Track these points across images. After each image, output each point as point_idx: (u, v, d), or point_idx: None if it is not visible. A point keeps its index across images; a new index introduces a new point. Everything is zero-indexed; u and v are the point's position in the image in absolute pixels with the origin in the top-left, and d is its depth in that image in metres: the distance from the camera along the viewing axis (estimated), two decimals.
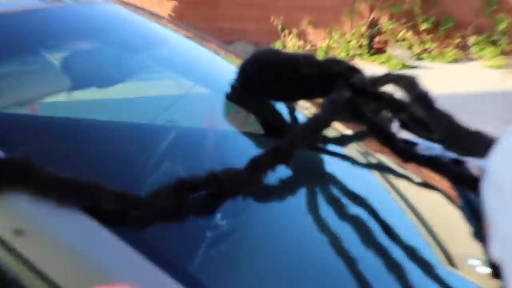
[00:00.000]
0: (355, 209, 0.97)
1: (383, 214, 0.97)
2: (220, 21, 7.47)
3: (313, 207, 0.96)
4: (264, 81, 1.13)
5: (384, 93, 1.08)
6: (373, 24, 7.32)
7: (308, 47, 7.41)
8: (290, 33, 7.51)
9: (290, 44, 7.43)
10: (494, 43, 6.85)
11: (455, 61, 7.02)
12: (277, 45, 7.25)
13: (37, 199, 0.63)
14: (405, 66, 6.71)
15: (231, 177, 0.78)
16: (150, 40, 1.37)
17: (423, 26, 7.08)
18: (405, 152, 1.01)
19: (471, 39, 6.93)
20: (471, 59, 6.96)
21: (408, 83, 1.02)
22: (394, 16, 7.19)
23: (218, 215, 0.82)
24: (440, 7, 6.95)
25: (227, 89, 1.20)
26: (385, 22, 7.27)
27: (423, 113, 1.00)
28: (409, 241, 0.93)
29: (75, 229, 0.64)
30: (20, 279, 0.60)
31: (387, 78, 1.05)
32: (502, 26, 6.75)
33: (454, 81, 5.91)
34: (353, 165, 1.22)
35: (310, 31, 7.59)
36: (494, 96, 5.16)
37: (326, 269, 0.83)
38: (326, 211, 0.94)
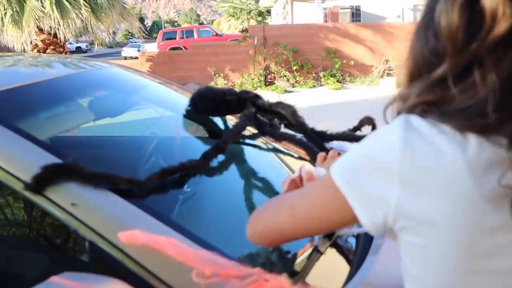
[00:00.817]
0: (259, 171, 1.60)
1: (273, 173, 1.64)
2: (178, 72, 12.24)
3: (236, 175, 1.53)
4: (206, 105, 1.64)
5: (276, 110, 1.65)
6: (266, 68, 12.05)
7: (230, 83, 12.16)
8: (219, 76, 12.25)
9: (219, 83, 11.99)
10: (333, 75, 12.07)
11: (313, 87, 11.84)
12: (212, 83, 11.50)
13: (83, 185, 1.02)
14: (286, 91, 11.16)
15: (192, 165, 1.21)
16: (140, 86, 1.99)
17: (295, 68, 12.00)
18: (284, 137, 1.61)
19: (321, 74, 12.07)
20: (322, 85, 11.96)
21: (289, 108, 1.60)
22: (278, 63, 12.05)
23: (186, 185, 1.28)
24: (303, 56, 12.13)
25: (185, 111, 1.74)
26: (273, 66, 12.06)
27: (295, 122, 1.59)
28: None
29: (106, 201, 1.03)
30: (77, 230, 0.98)
31: (278, 104, 1.63)
32: (337, 65, 12.11)
33: (314, 98, 10.22)
34: (259, 150, 1.81)
35: (231, 74, 12.44)
36: (335, 105, 9.41)
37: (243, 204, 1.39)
38: (244, 174, 1.54)
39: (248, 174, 1.56)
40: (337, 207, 0.68)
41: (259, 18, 27.72)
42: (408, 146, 0.60)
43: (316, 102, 9.72)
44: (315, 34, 12.37)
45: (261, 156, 1.76)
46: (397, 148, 0.61)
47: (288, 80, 11.91)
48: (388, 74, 12.21)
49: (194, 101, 1.68)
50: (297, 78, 12.02)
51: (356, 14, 16.36)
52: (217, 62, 12.31)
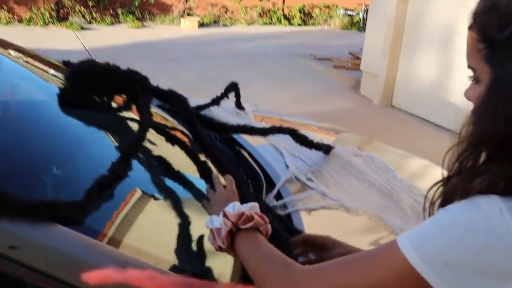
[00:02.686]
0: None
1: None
2: None
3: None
4: (89, 83, 1.44)
5: (165, 91, 1.50)
6: (58, 2, 10.98)
7: (16, 17, 10.84)
8: (2, 9, 10.55)
9: (3, 17, 10.54)
10: (132, 13, 11.60)
11: (112, 24, 11.31)
12: None
13: (18, 221, 0.82)
14: (82, 28, 10.55)
15: (122, 170, 1.07)
16: None
17: (91, 3, 11.15)
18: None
19: (119, 11, 11.50)
20: (120, 23, 11.46)
21: (177, 97, 1.46)
22: None
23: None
24: None
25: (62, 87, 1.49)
26: (66, 1, 11.01)
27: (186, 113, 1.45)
28: None
29: (54, 236, 0.85)
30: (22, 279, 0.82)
31: (171, 92, 1.49)
32: (136, 3, 11.61)
33: (114, 37, 9.82)
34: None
35: (16, 7, 10.82)
36: (138, 44, 9.19)
37: None
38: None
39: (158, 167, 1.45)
40: None
41: None
42: None
43: (117, 41, 9.32)
44: None
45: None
46: None
47: (83, 16, 11.05)
48: (188, 14, 12.22)
49: (74, 77, 1.46)
50: (94, 15, 11.20)
51: None
52: None
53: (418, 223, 1.49)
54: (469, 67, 0.69)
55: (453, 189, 0.66)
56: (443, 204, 0.68)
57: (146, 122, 1.29)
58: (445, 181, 0.69)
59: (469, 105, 0.69)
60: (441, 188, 0.70)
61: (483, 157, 0.66)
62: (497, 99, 0.62)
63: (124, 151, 1.12)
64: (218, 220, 0.90)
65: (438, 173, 0.72)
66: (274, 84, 6.91)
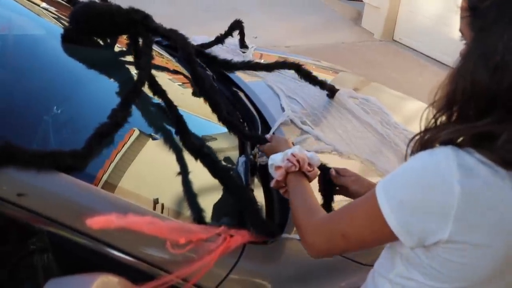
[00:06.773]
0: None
1: None
2: None
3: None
4: (91, 26, 1.43)
5: (166, 30, 1.47)
6: None
7: None
8: None
9: None
10: None
11: None
12: None
13: (25, 170, 0.87)
14: None
15: (122, 117, 1.09)
16: None
17: None
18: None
19: None
20: None
21: (179, 37, 1.44)
22: None
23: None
24: None
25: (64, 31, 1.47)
26: None
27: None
28: None
29: (58, 184, 0.90)
30: (30, 224, 0.86)
31: (170, 32, 1.46)
32: None
33: None
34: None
35: None
36: None
37: None
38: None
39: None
40: (386, 233, 0.73)
41: None
42: (467, 189, 0.66)
43: None
44: None
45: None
46: (457, 192, 0.66)
47: None
48: None
49: (76, 19, 1.44)
50: None
51: None
52: None
53: None
54: (460, 30, 0.75)
55: (427, 141, 0.74)
56: None
57: (147, 66, 1.29)
58: (423, 134, 0.75)
59: None
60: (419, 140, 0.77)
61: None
62: (467, 64, 0.69)
63: (123, 98, 1.14)
64: (279, 159, 1.08)
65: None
66: (274, 15, 6.75)
